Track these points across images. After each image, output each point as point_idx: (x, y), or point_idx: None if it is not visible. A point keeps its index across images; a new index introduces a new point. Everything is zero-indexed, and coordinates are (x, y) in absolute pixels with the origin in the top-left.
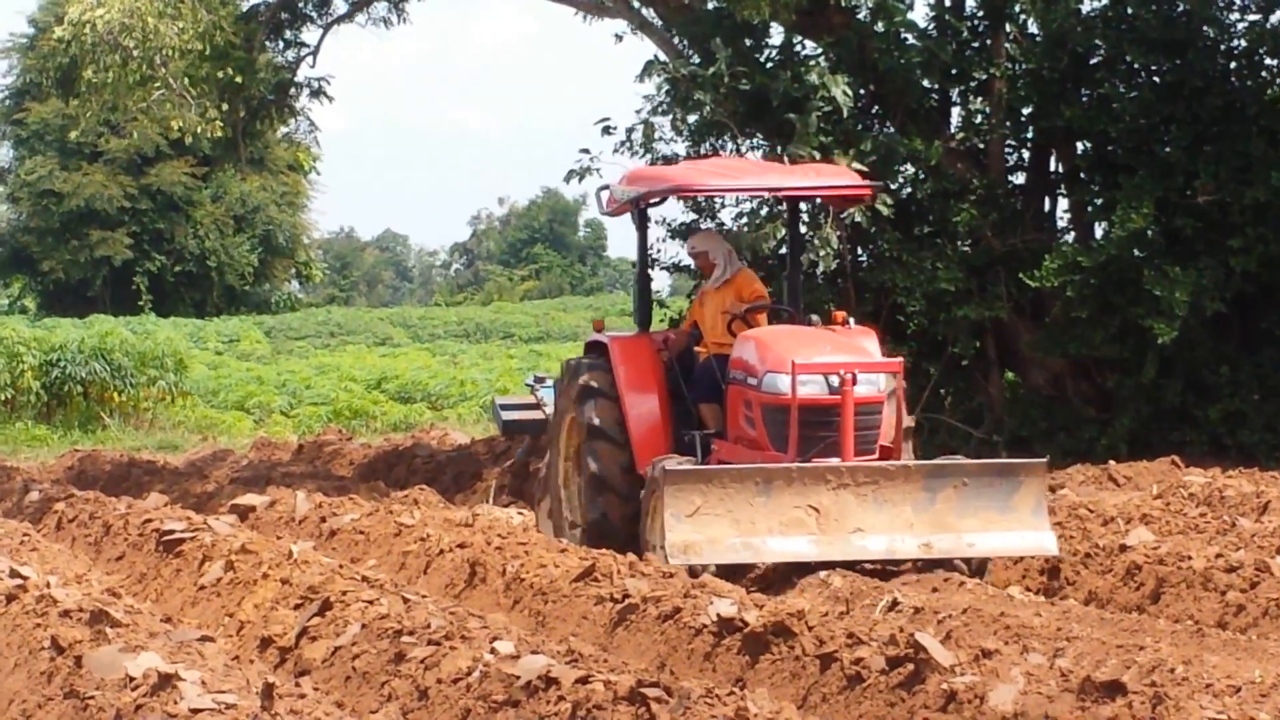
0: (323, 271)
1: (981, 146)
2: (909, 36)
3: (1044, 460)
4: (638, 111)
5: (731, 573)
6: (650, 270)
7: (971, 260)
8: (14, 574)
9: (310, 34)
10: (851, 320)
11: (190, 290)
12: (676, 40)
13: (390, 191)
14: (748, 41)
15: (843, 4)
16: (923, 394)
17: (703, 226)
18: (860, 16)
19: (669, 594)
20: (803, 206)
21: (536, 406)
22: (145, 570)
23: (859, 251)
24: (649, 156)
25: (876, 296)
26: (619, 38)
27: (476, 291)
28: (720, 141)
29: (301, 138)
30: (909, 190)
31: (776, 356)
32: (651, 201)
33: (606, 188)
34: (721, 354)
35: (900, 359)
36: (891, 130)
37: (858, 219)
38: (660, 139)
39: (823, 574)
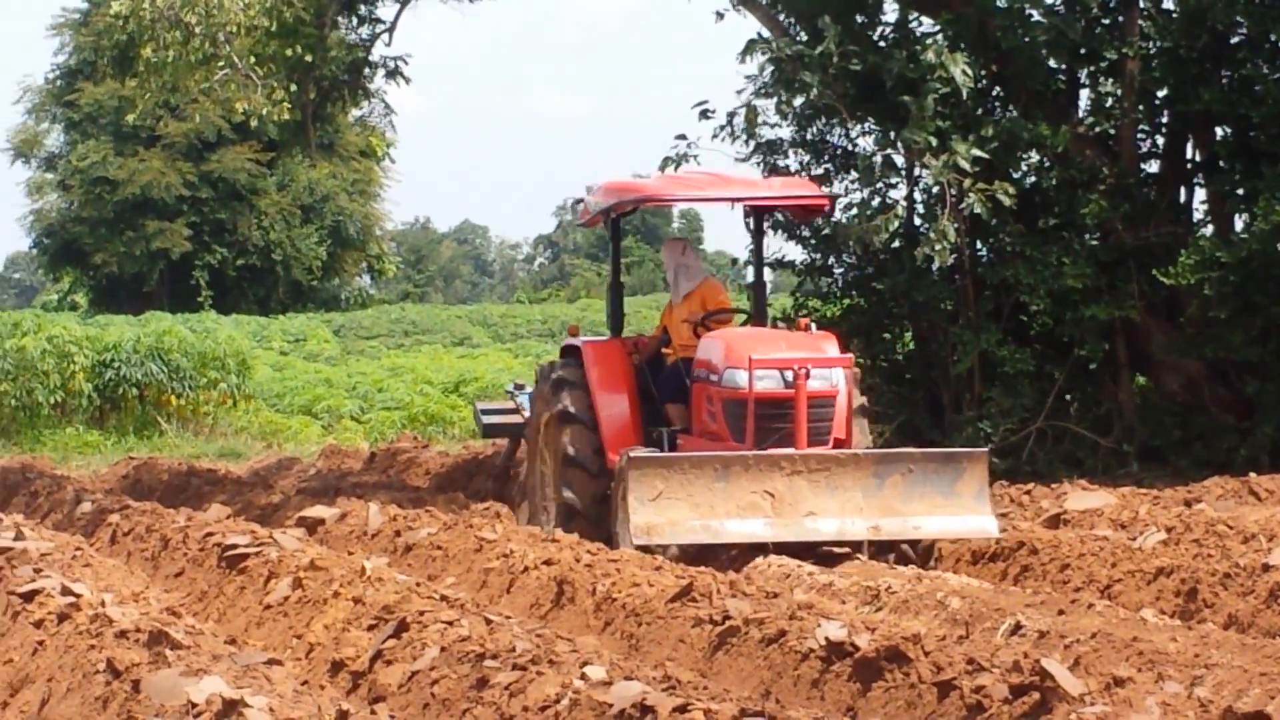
0: (396, 266)
1: (1112, 132)
2: (1034, 13)
3: (985, 450)
4: (739, 93)
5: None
6: (622, 277)
7: (1101, 255)
8: (66, 591)
9: (386, 9)
10: (813, 325)
11: (254, 285)
12: (782, 17)
13: (469, 180)
14: (859, 18)
15: None
16: (1047, 399)
17: (671, 239)
18: None
19: (773, 615)
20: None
21: (516, 411)
22: (206, 588)
23: (978, 245)
24: (752, 142)
25: (997, 294)
26: (720, 15)
27: (562, 287)
28: (829, 125)
29: (376, 121)
30: (1033, 179)
31: (736, 354)
32: (624, 212)
33: (581, 201)
34: (687, 357)
35: (850, 356)
36: (1014, 114)
37: (977, 210)
38: (764, 123)
39: (940, 595)
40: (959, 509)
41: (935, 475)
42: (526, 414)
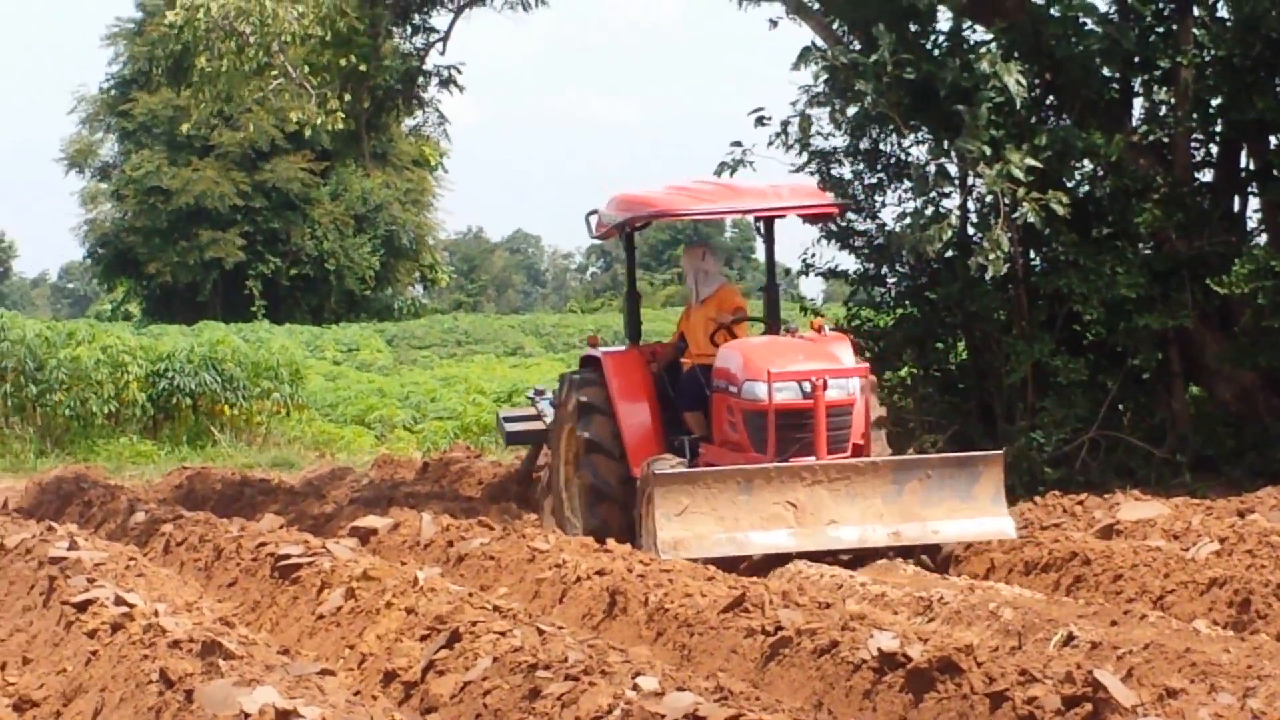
0: (449, 275)
1: (1166, 141)
2: (1088, 21)
3: (1000, 452)
4: (794, 104)
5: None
6: (638, 287)
7: (1154, 264)
8: (119, 601)
9: (440, 19)
10: (827, 327)
11: (307, 295)
12: (836, 25)
13: (522, 189)
14: (913, 27)
15: None
16: (1100, 409)
17: (690, 244)
18: (1035, 0)
19: (825, 626)
20: (974, 210)
21: (537, 418)
22: (259, 598)
23: (1031, 255)
24: (805, 153)
25: (1050, 304)
26: (774, 23)
27: (614, 297)
28: (883, 134)
29: (430, 131)
30: (1087, 188)
31: (755, 366)
32: (636, 226)
33: (595, 212)
34: (705, 364)
35: (866, 365)
36: (1068, 123)
37: (1030, 219)
38: (818, 133)
39: (992, 605)
40: (976, 511)
41: (952, 480)
42: (548, 419)
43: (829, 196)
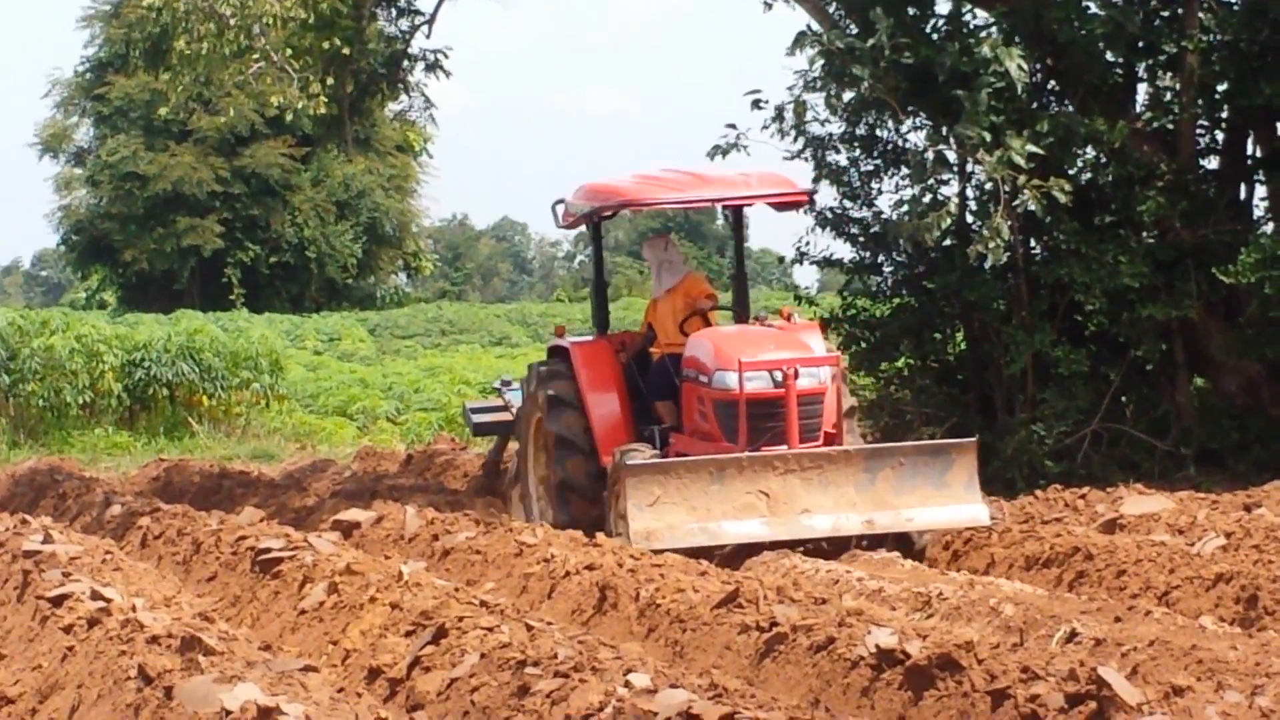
0: (433, 263)
1: (1170, 127)
2: (1091, 5)
3: (973, 440)
4: (790, 89)
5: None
6: (606, 277)
7: (1158, 253)
8: (96, 596)
9: (426, 2)
10: (796, 315)
11: (287, 283)
12: (832, 9)
13: (508, 176)
14: (911, 10)
15: None
16: (1102, 401)
17: (653, 235)
18: None
19: (821, 622)
20: (973, 198)
21: (505, 408)
22: (240, 592)
23: (1032, 243)
24: (801, 138)
25: (1051, 293)
26: (768, 5)
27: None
28: (880, 120)
29: (416, 116)
30: (1089, 176)
31: (725, 355)
32: (604, 215)
33: (562, 201)
34: (674, 353)
35: (839, 354)
36: (1070, 109)
37: (1031, 207)
38: (814, 118)
39: (993, 601)
40: (950, 499)
41: (925, 467)
42: (515, 410)
43: (796, 185)
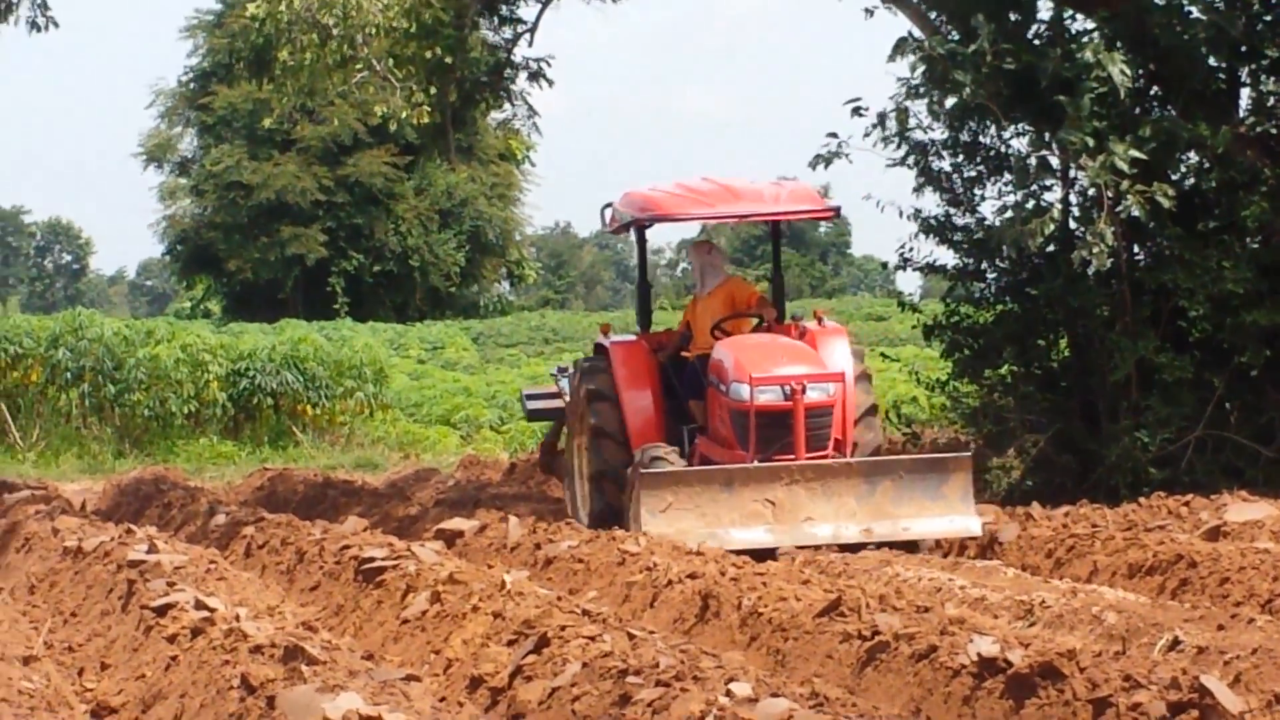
0: (536, 271)
1: (1274, 132)
2: (1193, 9)
3: (969, 454)
4: (891, 96)
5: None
6: (649, 280)
7: (1262, 259)
8: (200, 605)
9: (528, 10)
10: (825, 320)
11: (390, 292)
12: (933, 15)
13: (611, 183)
14: (1013, 16)
15: None
16: (1206, 408)
17: (699, 238)
18: None
19: (923, 631)
20: (1076, 203)
21: (559, 395)
22: (343, 602)
23: (1135, 249)
24: (904, 146)
25: (1155, 299)
26: (869, 12)
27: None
28: (982, 126)
29: (520, 124)
30: (1192, 181)
31: (740, 368)
32: (641, 224)
33: (610, 205)
34: (706, 355)
35: (842, 371)
36: (1173, 114)
37: (1135, 212)
38: (916, 125)
39: (1095, 609)
40: (945, 510)
41: (923, 480)
42: (569, 397)
43: (823, 202)
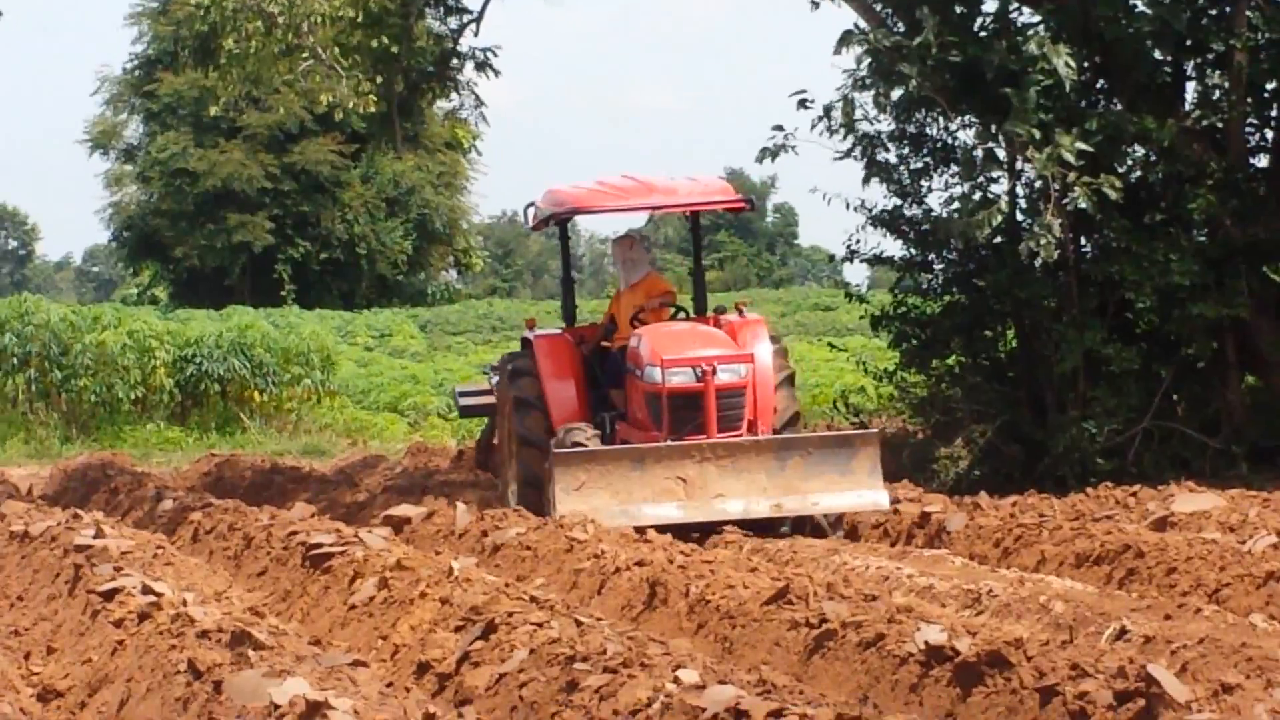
0: (483, 260)
1: (1219, 126)
2: (1138, 3)
3: (875, 431)
4: (838, 88)
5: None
6: (573, 273)
7: (1208, 252)
8: (147, 590)
9: (473, 0)
10: (745, 310)
11: (337, 280)
12: (879, 7)
13: (558, 173)
14: (958, 8)
15: None
16: (1153, 399)
17: (624, 232)
18: None
19: (871, 619)
20: (1023, 195)
21: (490, 392)
22: (290, 587)
23: (1082, 241)
24: (850, 137)
25: (1102, 291)
26: (815, 4)
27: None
28: (929, 118)
29: (467, 114)
30: (1139, 174)
31: (654, 352)
32: (560, 219)
33: (533, 204)
34: (626, 346)
35: (751, 353)
36: (1119, 107)
37: (1082, 204)
38: (863, 117)
39: (1043, 598)
40: (854, 485)
41: (831, 456)
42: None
43: (734, 194)
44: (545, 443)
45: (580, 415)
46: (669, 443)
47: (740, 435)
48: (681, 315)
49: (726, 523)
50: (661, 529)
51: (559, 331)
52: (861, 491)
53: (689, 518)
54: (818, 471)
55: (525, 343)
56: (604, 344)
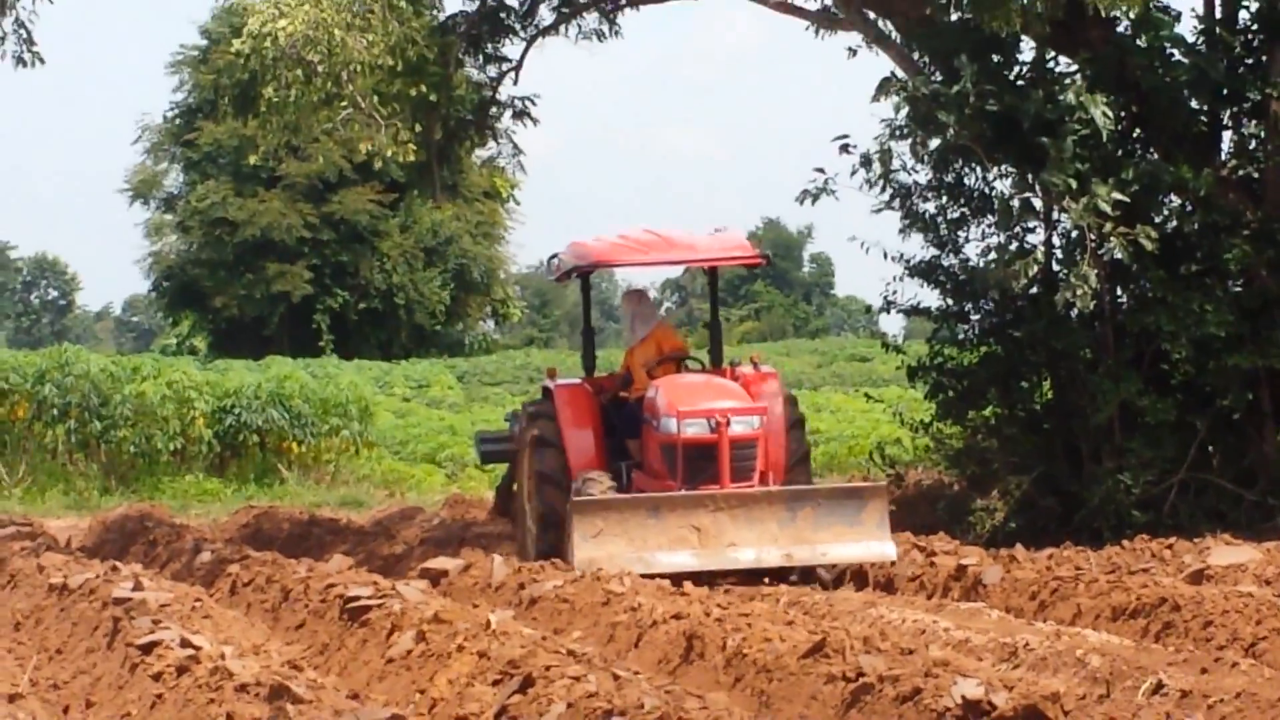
0: (521, 310)
1: (1256, 175)
2: (1175, 52)
3: (884, 483)
4: (876, 139)
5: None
6: (593, 325)
7: (1244, 302)
8: (185, 643)
9: (513, 48)
10: (759, 363)
11: (375, 330)
12: (916, 56)
13: (595, 221)
14: (995, 57)
15: (1102, 15)
16: (1189, 450)
17: (632, 287)
18: (1120, 30)
19: (908, 673)
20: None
21: (511, 439)
22: (328, 640)
23: (1118, 292)
24: (888, 188)
25: (1138, 341)
26: (853, 52)
27: (690, 333)
28: (966, 167)
29: (504, 163)
30: (1175, 224)
31: (669, 403)
32: (582, 272)
33: (555, 256)
34: (643, 396)
35: (764, 405)
36: (1155, 157)
37: (1118, 254)
38: (900, 166)
39: (1079, 652)
40: (862, 536)
41: (841, 508)
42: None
43: (751, 250)
44: (565, 480)
45: (598, 463)
46: (684, 492)
47: (753, 486)
48: (696, 367)
49: (738, 572)
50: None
51: (578, 381)
52: (869, 543)
53: (702, 566)
54: (827, 523)
55: (546, 391)
56: (620, 395)
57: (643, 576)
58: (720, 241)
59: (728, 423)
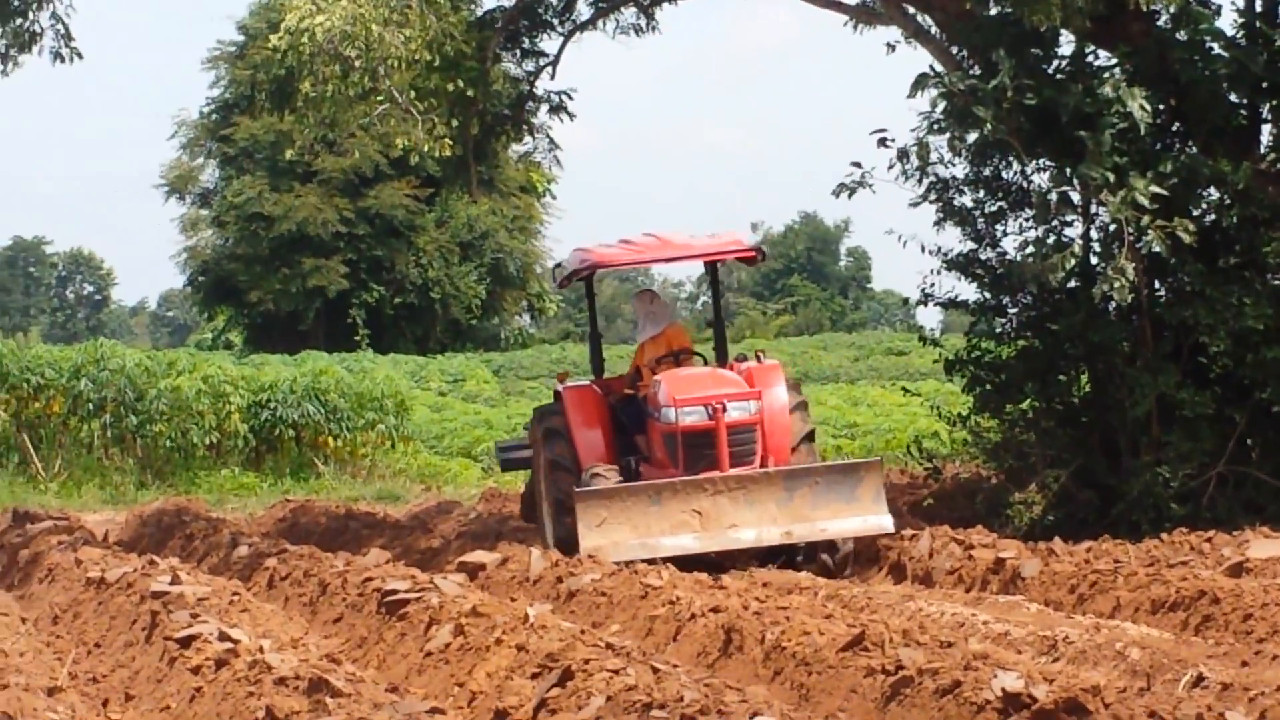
0: (557, 305)
1: None
2: (1215, 46)
3: (879, 459)
4: (913, 132)
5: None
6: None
7: None
8: (224, 637)
9: (550, 43)
10: (763, 356)
11: (411, 324)
12: (954, 50)
13: (632, 216)
14: (1034, 51)
15: (1142, 9)
16: (1227, 443)
17: (647, 286)
18: (1160, 23)
19: (947, 665)
20: (1097, 239)
21: (529, 446)
22: (366, 634)
23: (1156, 285)
24: (925, 181)
25: (1176, 334)
26: (891, 47)
27: (727, 327)
28: (1004, 161)
29: (541, 157)
30: (1213, 217)
31: (668, 393)
32: (582, 275)
33: (560, 265)
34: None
35: (759, 390)
36: (1194, 150)
37: (1156, 248)
38: (937, 160)
39: (1119, 645)
40: (859, 511)
41: (838, 485)
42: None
43: (745, 244)
44: (576, 468)
45: (607, 458)
46: (684, 478)
47: (749, 470)
48: (698, 362)
49: (739, 551)
50: (679, 562)
51: (587, 383)
52: (866, 517)
53: (705, 548)
54: (825, 500)
55: (558, 395)
56: (629, 392)
57: (646, 562)
58: (716, 240)
59: (724, 409)
